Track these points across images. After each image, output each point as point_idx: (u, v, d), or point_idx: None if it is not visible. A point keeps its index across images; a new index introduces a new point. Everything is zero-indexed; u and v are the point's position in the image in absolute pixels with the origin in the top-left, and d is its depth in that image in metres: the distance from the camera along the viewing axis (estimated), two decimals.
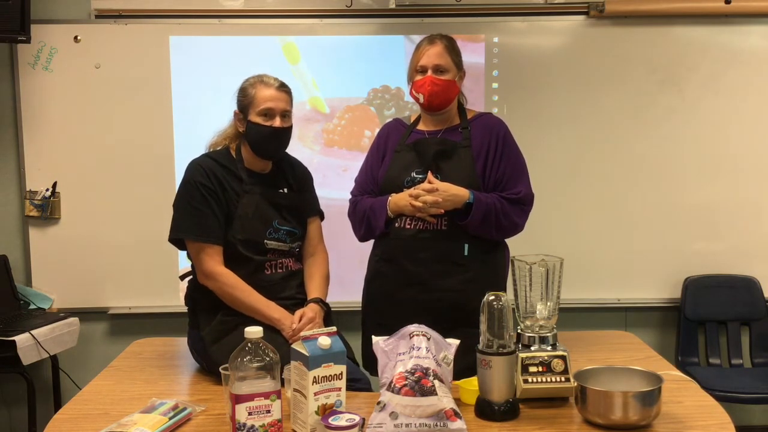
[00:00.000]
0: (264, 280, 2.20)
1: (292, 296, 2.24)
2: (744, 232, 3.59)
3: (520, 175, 2.39)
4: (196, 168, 2.20)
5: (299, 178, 2.38)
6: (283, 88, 2.24)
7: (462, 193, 2.26)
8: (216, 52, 3.48)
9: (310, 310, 2.19)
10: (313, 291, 2.28)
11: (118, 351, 2.42)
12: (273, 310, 2.15)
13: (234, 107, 2.29)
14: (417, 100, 2.39)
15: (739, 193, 3.58)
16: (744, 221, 3.59)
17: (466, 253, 2.31)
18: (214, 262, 2.15)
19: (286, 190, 2.31)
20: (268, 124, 2.19)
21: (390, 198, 2.35)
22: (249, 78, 2.27)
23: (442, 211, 2.27)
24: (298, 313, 2.17)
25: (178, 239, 2.22)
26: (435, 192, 2.24)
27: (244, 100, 2.22)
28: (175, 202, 2.22)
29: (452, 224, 2.30)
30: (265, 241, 2.21)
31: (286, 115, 2.23)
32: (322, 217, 2.45)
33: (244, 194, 2.20)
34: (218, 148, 2.28)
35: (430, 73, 2.32)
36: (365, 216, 2.40)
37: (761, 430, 3.71)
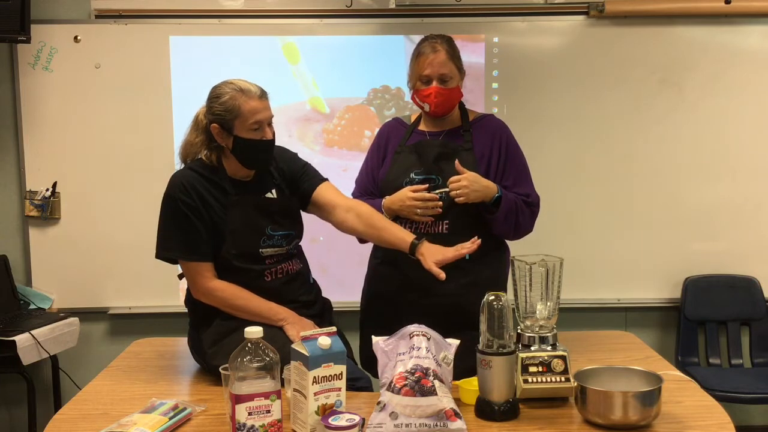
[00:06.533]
0: (265, 288, 2.15)
1: (296, 299, 2.21)
2: (744, 232, 3.59)
3: (525, 178, 2.39)
4: (176, 183, 2.10)
5: (285, 171, 2.27)
6: (264, 95, 2.10)
7: (491, 185, 2.25)
8: (216, 52, 3.48)
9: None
10: (402, 236, 2.17)
11: (118, 351, 2.41)
12: (277, 310, 2.13)
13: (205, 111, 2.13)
14: (421, 107, 2.38)
15: (739, 193, 3.58)
16: (744, 221, 3.59)
17: (467, 257, 2.30)
18: (206, 279, 2.10)
19: (274, 191, 2.22)
20: (259, 137, 2.10)
21: (383, 201, 2.34)
22: (221, 87, 2.09)
23: (440, 211, 2.26)
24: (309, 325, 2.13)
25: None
26: (462, 181, 2.21)
27: (227, 115, 2.05)
28: (159, 217, 2.13)
29: (452, 227, 2.29)
30: (261, 250, 2.14)
31: (270, 122, 2.14)
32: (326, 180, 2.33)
33: (231, 207, 2.12)
34: (196, 158, 2.17)
35: (435, 83, 2.30)
36: None
37: (761, 430, 3.71)
